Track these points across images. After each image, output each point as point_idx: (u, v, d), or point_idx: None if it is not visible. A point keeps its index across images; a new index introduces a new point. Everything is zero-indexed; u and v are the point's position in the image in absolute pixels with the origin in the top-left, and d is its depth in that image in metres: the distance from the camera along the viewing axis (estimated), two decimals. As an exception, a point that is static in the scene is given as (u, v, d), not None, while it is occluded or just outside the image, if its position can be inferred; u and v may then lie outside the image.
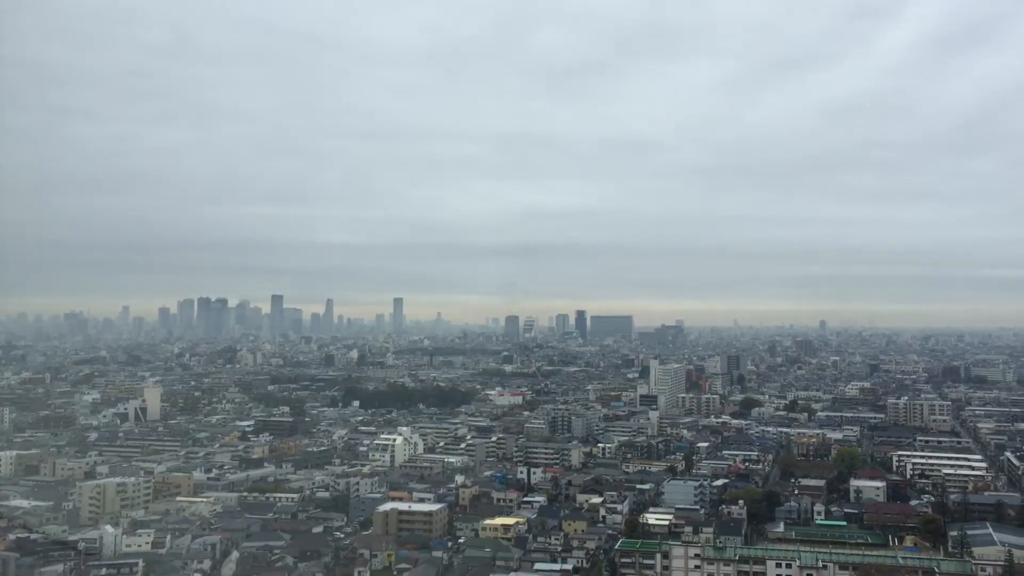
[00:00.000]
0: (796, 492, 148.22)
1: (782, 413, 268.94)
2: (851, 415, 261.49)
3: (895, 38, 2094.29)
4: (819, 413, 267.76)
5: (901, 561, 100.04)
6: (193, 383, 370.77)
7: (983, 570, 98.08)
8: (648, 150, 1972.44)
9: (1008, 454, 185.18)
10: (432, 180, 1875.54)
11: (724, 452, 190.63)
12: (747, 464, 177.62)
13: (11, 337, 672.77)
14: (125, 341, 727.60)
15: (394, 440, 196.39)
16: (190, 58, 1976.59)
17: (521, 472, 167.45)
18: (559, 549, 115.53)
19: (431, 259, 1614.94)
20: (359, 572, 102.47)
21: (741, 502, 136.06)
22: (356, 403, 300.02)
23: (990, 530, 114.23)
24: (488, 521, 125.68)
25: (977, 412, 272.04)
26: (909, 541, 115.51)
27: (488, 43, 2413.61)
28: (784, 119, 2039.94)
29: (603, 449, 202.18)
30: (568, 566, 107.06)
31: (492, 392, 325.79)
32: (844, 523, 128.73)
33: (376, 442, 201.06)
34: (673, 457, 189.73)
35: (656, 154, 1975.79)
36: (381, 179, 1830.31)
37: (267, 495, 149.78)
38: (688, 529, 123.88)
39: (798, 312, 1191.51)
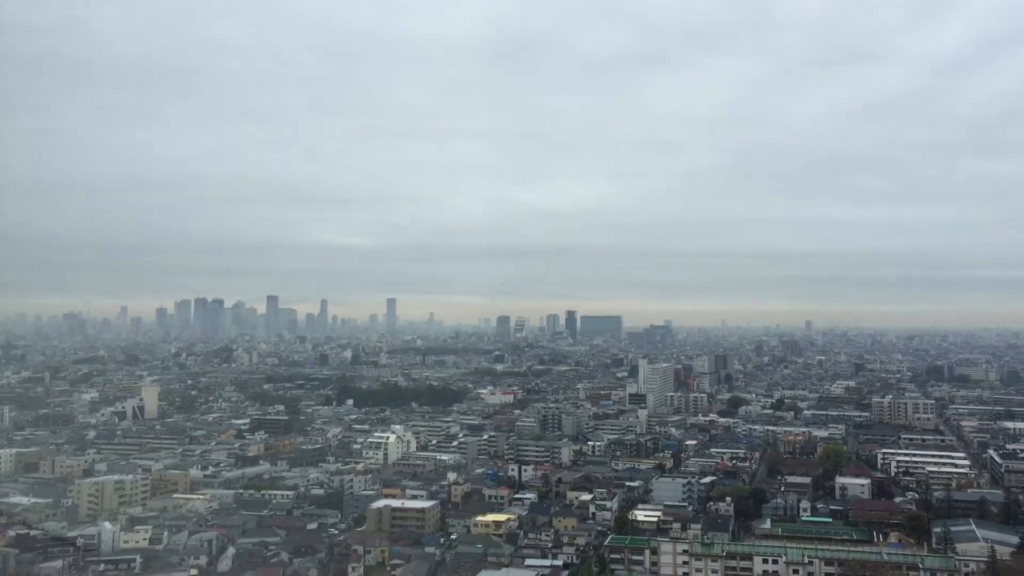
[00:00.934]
0: (782, 489, 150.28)
1: (769, 412, 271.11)
2: (836, 413, 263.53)
3: (942, 39, 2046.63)
4: (805, 412, 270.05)
5: (886, 557, 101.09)
6: (190, 382, 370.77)
7: (966, 566, 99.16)
8: (666, 151, 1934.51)
9: (991, 452, 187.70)
10: (430, 181, 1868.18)
11: (712, 450, 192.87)
12: (734, 462, 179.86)
13: (11, 337, 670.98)
14: (123, 341, 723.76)
15: (387, 438, 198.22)
16: (192, 57, 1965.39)
17: (512, 470, 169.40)
18: (550, 545, 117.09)
19: (424, 260, 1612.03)
20: (353, 568, 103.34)
21: (728, 499, 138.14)
22: (350, 402, 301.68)
23: (973, 527, 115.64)
24: (480, 518, 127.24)
25: (960, 411, 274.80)
26: (894, 537, 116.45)
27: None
28: (813, 119, 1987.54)
29: (593, 447, 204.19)
30: (558, 562, 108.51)
31: (484, 391, 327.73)
32: (830, 520, 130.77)
33: (370, 440, 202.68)
34: (662, 455, 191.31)
35: (669, 155, 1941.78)
36: (381, 180, 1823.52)
37: (262, 492, 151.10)
38: (676, 525, 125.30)
39: (785, 312, 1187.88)
